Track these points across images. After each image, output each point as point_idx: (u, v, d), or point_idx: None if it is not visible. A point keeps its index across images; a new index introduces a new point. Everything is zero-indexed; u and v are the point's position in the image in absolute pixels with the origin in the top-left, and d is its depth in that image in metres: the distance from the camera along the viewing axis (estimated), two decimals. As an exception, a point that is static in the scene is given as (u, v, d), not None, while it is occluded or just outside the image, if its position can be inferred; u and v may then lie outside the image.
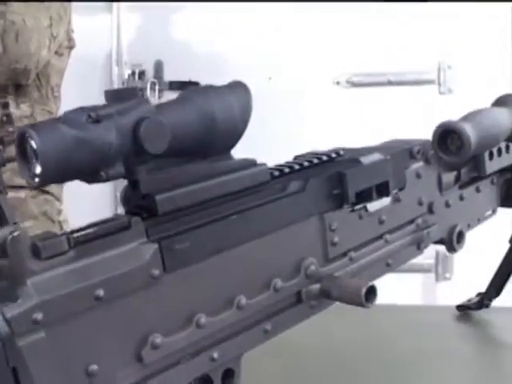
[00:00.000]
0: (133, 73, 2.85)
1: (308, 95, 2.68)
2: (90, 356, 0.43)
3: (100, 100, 0.46)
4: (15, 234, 0.38)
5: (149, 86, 2.81)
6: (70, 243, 0.42)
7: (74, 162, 0.41)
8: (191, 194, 0.48)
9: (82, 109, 0.43)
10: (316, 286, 0.57)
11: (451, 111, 2.28)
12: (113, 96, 0.45)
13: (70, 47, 1.85)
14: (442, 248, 2.33)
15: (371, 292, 0.55)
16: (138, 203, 0.47)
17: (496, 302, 1.18)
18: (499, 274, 1.15)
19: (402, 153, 0.67)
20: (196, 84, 2.77)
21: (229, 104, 0.50)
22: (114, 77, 2.87)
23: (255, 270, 0.53)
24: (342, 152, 0.63)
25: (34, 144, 0.40)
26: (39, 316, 0.39)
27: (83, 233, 0.43)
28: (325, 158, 0.61)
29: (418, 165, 0.69)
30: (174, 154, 0.47)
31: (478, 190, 0.79)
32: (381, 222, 0.64)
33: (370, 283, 0.55)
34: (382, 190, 0.63)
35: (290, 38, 2.68)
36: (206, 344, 0.50)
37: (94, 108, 0.43)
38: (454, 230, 0.74)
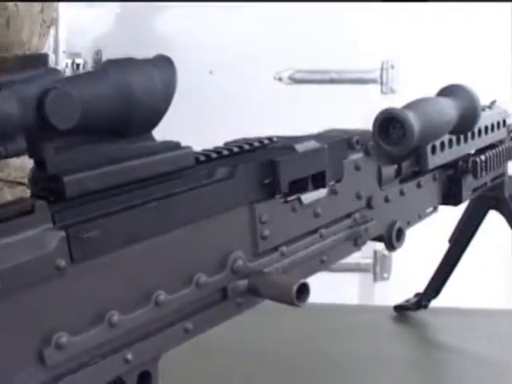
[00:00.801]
0: (72, 62, 2.80)
1: (249, 90, 2.66)
2: None
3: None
4: None
5: (87, 76, 2.76)
6: None
7: (-35, 135, 0.36)
8: (105, 177, 0.43)
9: None
10: (243, 282, 0.53)
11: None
12: (19, 63, 0.40)
13: (49, 26, 1.76)
14: (380, 247, 2.33)
15: (303, 290, 0.50)
16: (45, 185, 0.42)
17: (435, 303, 1.16)
18: (438, 275, 1.12)
19: (340, 142, 0.63)
20: (136, 76, 2.75)
21: (150, 78, 0.44)
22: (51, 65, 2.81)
23: (175, 263, 0.48)
24: (275, 139, 0.58)
25: None
26: None
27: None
28: (257, 144, 0.56)
29: (356, 156, 0.65)
30: (86, 131, 0.41)
31: (419, 185, 0.76)
32: (316, 215, 0.60)
33: (302, 280, 0.50)
34: (318, 181, 0.59)
35: (232, 33, 2.65)
36: (120, 344, 0.45)
37: None
38: (394, 227, 0.70)
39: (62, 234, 0.40)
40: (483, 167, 0.84)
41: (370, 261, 2.59)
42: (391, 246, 0.70)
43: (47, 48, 2.81)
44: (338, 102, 2.60)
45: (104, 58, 2.78)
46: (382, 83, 2.60)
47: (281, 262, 0.56)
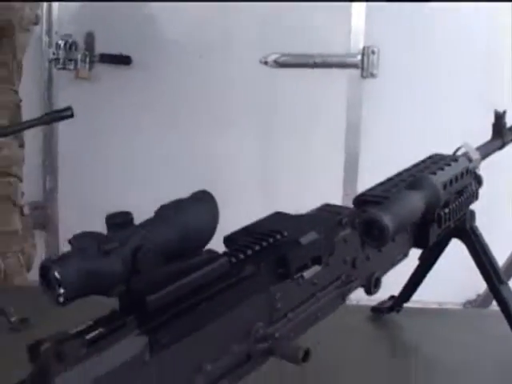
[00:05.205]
0: (65, 43, 2.89)
1: (236, 74, 2.78)
2: None
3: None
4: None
5: (79, 57, 2.87)
6: (84, 345, 0.53)
7: (88, 287, 0.53)
8: (173, 292, 0.60)
9: (90, 237, 0.54)
10: (263, 346, 0.69)
11: (373, 95, 2.40)
12: (111, 221, 0.57)
13: (35, 23, 1.93)
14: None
15: (307, 353, 0.68)
16: (130, 301, 0.58)
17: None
18: (406, 289, 1.27)
19: (332, 225, 0.80)
20: (127, 58, 2.84)
21: (199, 213, 0.62)
22: (43, 46, 2.92)
23: (217, 341, 0.65)
24: (285, 233, 0.74)
25: (57, 275, 0.51)
26: None
27: (93, 334, 0.54)
28: (271, 240, 0.73)
29: (345, 232, 0.82)
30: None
31: (393, 240, 0.90)
32: (313, 284, 0.77)
33: (306, 347, 0.68)
34: (316, 261, 0.76)
35: (220, 17, 2.76)
36: None
37: (100, 238, 0.54)
38: (372, 277, 0.87)
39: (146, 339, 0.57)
40: (447, 218, 1.00)
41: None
42: (370, 292, 0.88)
43: (41, 30, 2.90)
44: (320, 84, 2.73)
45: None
46: (362, 68, 2.72)
47: (287, 324, 0.74)
